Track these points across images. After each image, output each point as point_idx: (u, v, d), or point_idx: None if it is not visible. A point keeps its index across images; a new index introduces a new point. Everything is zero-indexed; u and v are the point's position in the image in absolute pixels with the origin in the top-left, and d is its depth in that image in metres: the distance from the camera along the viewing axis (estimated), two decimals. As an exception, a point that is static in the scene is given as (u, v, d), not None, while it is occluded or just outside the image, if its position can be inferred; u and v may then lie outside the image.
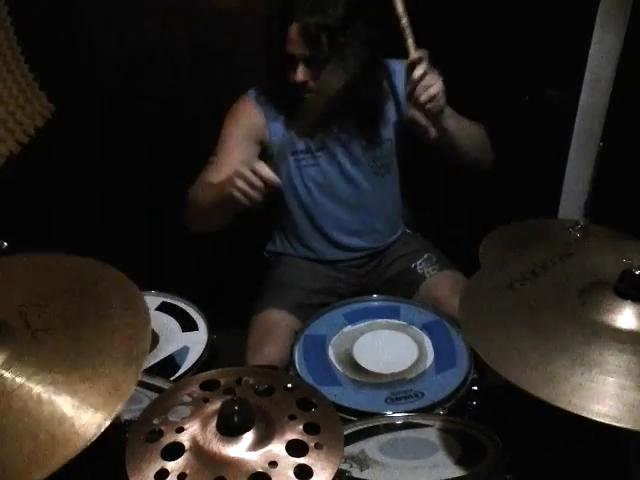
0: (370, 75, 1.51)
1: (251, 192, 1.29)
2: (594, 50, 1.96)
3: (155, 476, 0.78)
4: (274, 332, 1.54)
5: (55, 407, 0.75)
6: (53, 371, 0.78)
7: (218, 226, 1.54)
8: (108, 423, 0.74)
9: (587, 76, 1.99)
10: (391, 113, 1.62)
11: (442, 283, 1.64)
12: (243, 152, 1.55)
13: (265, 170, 1.28)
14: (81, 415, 0.75)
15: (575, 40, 1.97)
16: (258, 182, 1.27)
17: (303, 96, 1.46)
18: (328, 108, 1.36)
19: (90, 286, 0.95)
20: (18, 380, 0.76)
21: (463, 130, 1.56)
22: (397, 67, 1.60)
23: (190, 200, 1.55)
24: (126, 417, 1.03)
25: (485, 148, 1.66)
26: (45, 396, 0.76)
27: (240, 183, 1.29)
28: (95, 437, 0.73)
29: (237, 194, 1.30)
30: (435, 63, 1.58)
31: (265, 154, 1.61)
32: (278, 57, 1.45)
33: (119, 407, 0.76)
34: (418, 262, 1.72)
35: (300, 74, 1.42)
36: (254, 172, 1.28)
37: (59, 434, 0.73)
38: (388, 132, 1.63)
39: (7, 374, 0.77)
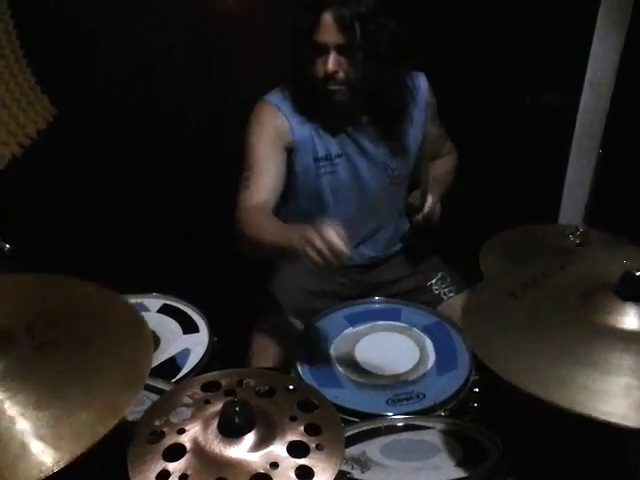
0: (398, 77, 1.51)
1: (320, 262, 1.14)
2: (595, 52, 1.96)
3: (157, 477, 0.79)
4: (276, 339, 1.54)
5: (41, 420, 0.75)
6: (51, 385, 0.79)
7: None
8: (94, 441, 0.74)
9: (588, 78, 2.00)
10: (412, 125, 1.61)
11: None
12: (275, 161, 1.50)
13: (335, 240, 1.12)
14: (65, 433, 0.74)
15: (576, 42, 1.97)
16: (328, 254, 1.13)
17: (330, 89, 1.44)
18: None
19: (100, 310, 0.96)
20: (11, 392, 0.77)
21: (447, 186, 1.73)
22: (419, 79, 1.61)
23: (244, 231, 1.40)
24: (128, 418, 1.03)
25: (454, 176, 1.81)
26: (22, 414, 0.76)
27: (310, 252, 1.15)
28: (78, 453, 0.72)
29: (307, 261, 1.16)
30: (438, 66, 1.60)
31: (289, 157, 1.55)
32: (306, 48, 1.42)
33: (109, 428, 0.76)
34: (433, 281, 1.71)
35: (331, 64, 1.39)
36: (323, 241, 1.13)
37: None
38: (408, 143, 1.62)
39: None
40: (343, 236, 1.13)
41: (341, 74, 1.42)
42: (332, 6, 1.37)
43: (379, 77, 1.45)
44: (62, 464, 0.71)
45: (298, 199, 1.64)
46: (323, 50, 1.40)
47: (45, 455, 0.72)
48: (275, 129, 1.51)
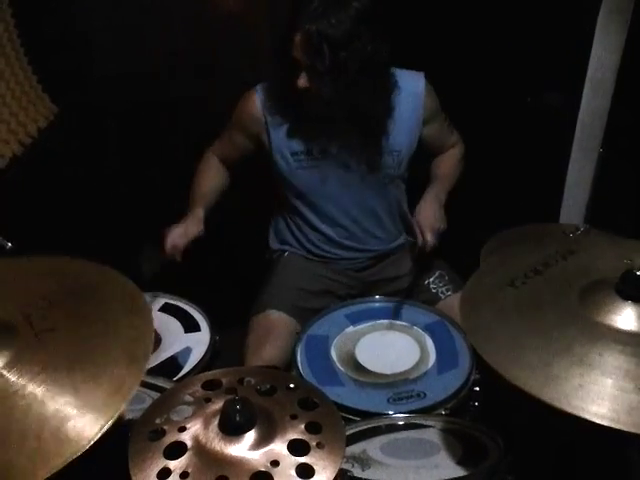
0: (375, 89, 1.50)
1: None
2: (596, 52, 1.96)
3: (157, 475, 0.79)
4: (272, 334, 1.55)
5: (58, 407, 0.75)
6: (57, 370, 0.79)
7: None
8: (111, 422, 0.75)
9: (588, 78, 1.99)
10: (401, 124, 1.60)
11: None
12: (238, 144, 1.69)
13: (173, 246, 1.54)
14: (84, 414, 0.75)
15: (577, 42, 1.97)
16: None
17: (306, 101, 1.47)
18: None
19: (92, 289, 0.95)
20: (21, 381, 0.77)
21: (454, 181, 1.75)
22: (406, 77, 1.59)
23: (198, 164, 1.77)
24: (129, 417, 1.04)
25: (462, 167, 1.82)
26: (48, 396, 0.76)
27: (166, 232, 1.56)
28: (97, 436, 0.73)
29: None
30: (439, 66, 1.59)
31: (264, 150, 1.62)
32: (285, 60, 1.44)
33: (122, 406, 0.77)
34: (431, 279, 1.71)
35: (302, 80, 1.42)
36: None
37: (62, 433, 0.73)
38: (397, 143, 1.60)
39: (10, 375, 0.77)
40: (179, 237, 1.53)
41: (312, 90, 1.44)
42: (302, 25, 1.38)
43: (352, 94, 1.45)
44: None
45: (288, 189, 1.66)
46: (297, 65, 1.42)
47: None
48: (248, 121, 1.63)
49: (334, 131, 1.55)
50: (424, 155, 1.74)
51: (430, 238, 1.53)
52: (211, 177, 1.74)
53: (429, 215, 1.57)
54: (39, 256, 1.01)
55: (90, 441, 0.73)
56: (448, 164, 1.77)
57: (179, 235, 1.54)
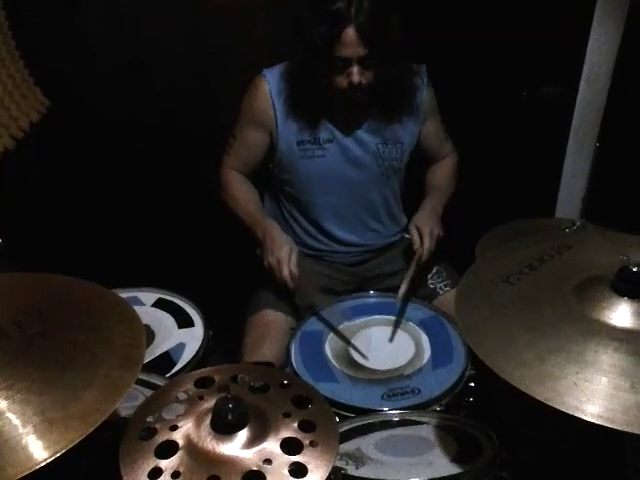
0: (407, 66, 1.54)
1: (276, 275, 1.48)
2: (592, 46, 1.95)
3: (149, 474, 0.78)
4: (269, 333, 1.54)
5: (45, 406, 0.75)
6: (50, 372, 0.79)
7: None
8: (102, 420, 0.74)
9: (585, 72, 1.99)
10: (407, 117, 1.61)
11: None
12: (254, 137, 1.61)
13: (292, 274, 1.46)
14: (73, 412, 0.74)
15: (573, 36, 1.96)
16: (277, 273, 1.48)
17: (351, 96, 1.46)
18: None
19: (83, 302, 0.95)
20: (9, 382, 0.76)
21: (449, 194, 1.76)
22: (419, 71, 1.61)
23: (221, 192, 1.68)
24: (121, 414, 1.03)
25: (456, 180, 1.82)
26: (38, 395, 0.75)
27: (265, 262, 1.51)
28: (88, 432, 0.72)
29: (266, 265, 1.51)
30: (434, 60, 1.58)
31: (271, 139, 1.60)
32: (324, 62, 1.43)
33: (113, 408, 0.76)
34: (428, 275, 1.71)
35: (357, 76, 1.41)
36: (285, 269, 1.46)
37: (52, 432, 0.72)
38: (402, 135, 1.62)
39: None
40: (294, 264, 1.46)
41: (364, 82, 1.43)
42: (354, 21, 1.36)
43: (393, 73, 1.47)
44: (73, 443, 0.71)
45: (288, 180, 1.64)
46: (345, 64, 1.41)
47: (55, 436, 0.71)
48: (260, 110, 1.58)
49: (350, 115, 1.56)
50: (419, 162, 1.75)
51: (428, 242, 1.55)
52: (249, 191, 1.68)
53: (427, 222, 1.59)
54: (25, 272, 1.01)
55: (82, 435, 0.72)
56: (444, 176, 1.78)
57: (287, 258, 1.47)
